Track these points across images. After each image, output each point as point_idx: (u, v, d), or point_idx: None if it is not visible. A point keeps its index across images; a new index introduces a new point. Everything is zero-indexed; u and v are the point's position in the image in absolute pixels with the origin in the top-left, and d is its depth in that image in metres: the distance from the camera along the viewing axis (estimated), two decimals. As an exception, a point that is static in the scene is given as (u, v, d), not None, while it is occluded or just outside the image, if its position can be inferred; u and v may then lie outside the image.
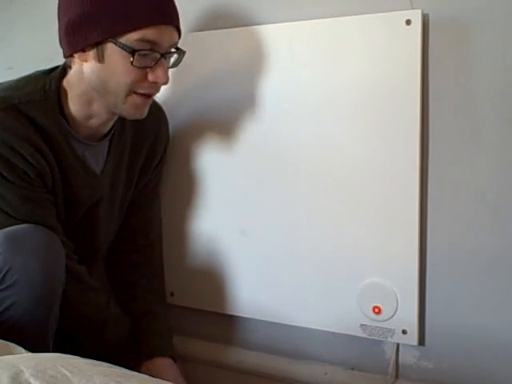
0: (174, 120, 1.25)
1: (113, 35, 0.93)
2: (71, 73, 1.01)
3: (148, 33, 0.93)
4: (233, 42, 1.16)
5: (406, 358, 1.11)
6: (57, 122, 1.01)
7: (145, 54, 0.94)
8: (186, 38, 1.21)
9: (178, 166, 1.27)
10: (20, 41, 1.50)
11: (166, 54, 0.97)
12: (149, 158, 1.19)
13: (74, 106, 1.02)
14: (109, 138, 1.10)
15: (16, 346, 0.77)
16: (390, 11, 1.00)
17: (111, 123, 1.08)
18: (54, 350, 0.95)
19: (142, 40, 0.93)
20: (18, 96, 0.98)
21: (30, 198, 0.98)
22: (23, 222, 0.96)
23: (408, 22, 0.98)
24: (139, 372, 0.68)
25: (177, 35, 0.99)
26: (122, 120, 1.10)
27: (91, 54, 0.95)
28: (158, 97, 1.25)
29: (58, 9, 0.98)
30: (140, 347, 1.13)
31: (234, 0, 1.18)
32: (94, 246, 1.15)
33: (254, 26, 1.14)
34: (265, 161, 1.16)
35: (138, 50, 0.93)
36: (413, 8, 0.99)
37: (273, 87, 1.13)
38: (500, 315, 1.01)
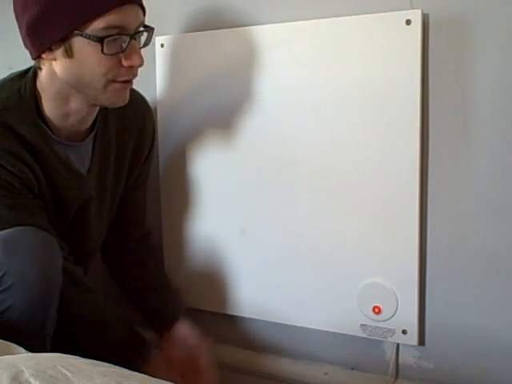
0: (173, 120, 1.25)
1: (77, 27, 0.89)
2: (42, 74, 0.98)
3: (113, 18, 0.89)
4: (232, 42, 1.16)
5: (406, 357, 1.11)
6: (35, 127, 0.98)
7: (114, 39, 0.91)
8: (185, 38, 1.22)
9: (178, 166, 1.26)
10: (20, 41, 1.49)
11: (135, 35, 0.93)
12: (136, 153, 1.16)
13: (50, 107, 1.00)
14: (92, 136, 1.07)
15: (16, 346, 0.76)
16: (390, 11, 1.00)
17: (90, 120, 1.05)
18: (55, 352, 0.94)
19: (108, 26, 0.89)
20: None
21: (17, 206, 0.97)
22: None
23: (408, 22, 0.98)
24: (141, 372, 0.68)
25: (142, 13, 0.94)
26: (104, 117, 1.08)
27: (59, 51, 0.92)
28: (158, 96, 1.26)
29: (14, 9, 0.95)
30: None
31: (234, 0, 1.18)
32: (87, 246, 1.14)
33: (254, 26, 1.14)
34: (265, 161, 1.16)
35: (106, 37, 0.90)
36: (413, 8, 0.99)
37: (272, 87, 1.13)
38: (500, 315, 1.01)
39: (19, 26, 0.96)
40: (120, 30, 0.91)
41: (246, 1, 1.17)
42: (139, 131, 1.16)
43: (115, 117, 1.11)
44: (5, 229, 0.95)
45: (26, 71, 1.03)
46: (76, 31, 0.90)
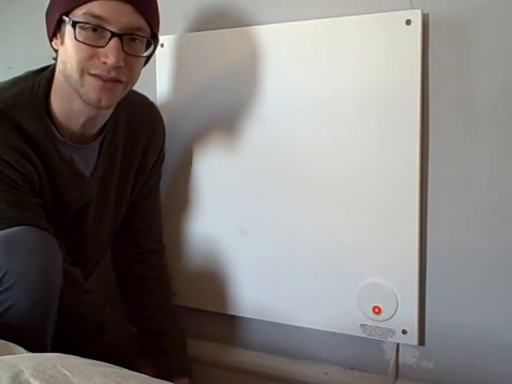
0: (173, 120, 1.25)
1: (64, 12, 0.91)
2: (56, 67, 0.99)
3: (94, 6, 0.89)
4: (233, 42, 1.16)
5: (406, 358, 1.11)
6: (43, 125, 0.98)
7: (93, 29, 0.91)
8: (186, 38, 1.22)
9: (178, 166, 1.27)
10: (20, 41, 1.50)
11: (122, 35, 0.92)
12: (144, 159, 1.16)
13: (57, 104, 1.00)
14: (100, 139, 1.07)
15: (16, 345, 0.77)
16: (390, 11, 1.00)
17: (98, 124, 1.05)
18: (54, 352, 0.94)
19: (88, 14, 0.90)
20: (4, 99, 0.96)
21: (18, 202, 0.97)
22: (14, 225, 0.95)
23: (408, 22, 0.98)
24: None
25: (138, 17, 0.93)
26: (114, 122, 1.08)
27: (59, 39, 0.95)
28: (158, 97, 1.26)
29: None
30: (157, 367, 1.15)
31: (234, 0, 1.18)
32: (85, 249, 1.13)
33: (254, 26, 1.14)
34: (265, 160, 1.16)
35: (78, 22, 0.90)
36: (413, 8, 0.99)
37: (272, 87, 1.13)
38: (500, 315, 1.01)
39: None
40: (100, 22, 0.91)
41: (247, 1, 1.17)
42: (149, 138, 1.15)
43: (126, 122, 1.11)
44: (6, 221, 0.95)
45: (44, 68, 1.03)
46: (64, 16, 0.92)
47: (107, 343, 1.08)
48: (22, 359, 0.65)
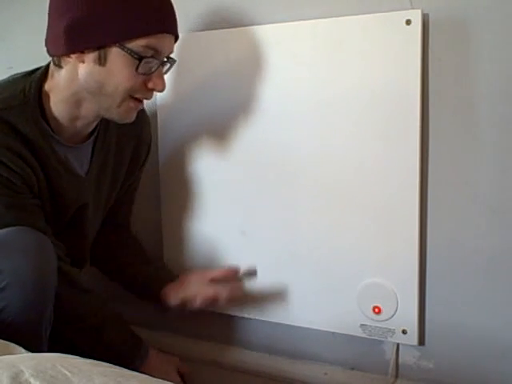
0: (173, 120, 1.25)
1: (121, 40, 0.92)
2: (61, 73, 0.97)
3: (153, 40, 0.93)
4: (233, 42, 1.16)
5: (406, 358, 1.11)
6: (38, 126, 0.98)
7: (148, 61, 0.95)
8: (186, 38, 1.22)
9: (178, 166, 1.26)
10: (20, 41, 1.50)
11: (164, 62, 0.99)
12: (134, 160, 1.18)
13: (59, 108, 1.00)
14: (92, 139, 1.08)
15: (16, 346, 0.76)
16: (390, 11, 1.00)
17: (94, 124, 1.07)
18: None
19: (148, 47, 0.93)
20: None
21: (16, 205, 0.97)
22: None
23: (408, 22, 0.98)
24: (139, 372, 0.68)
25: (174, 44, 1.00)
26: (105, 122, 1.09)
27: (91, 55, 0.93)
28: (158, 97, 1.26)
29: (54, 6, 0.95)
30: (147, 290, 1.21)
31: (234, 0, 1.18)
32: (83, 248, 1.14)
33: (254, 26, 1.14)
34: (265, 161, 1.16)
35: (144, 57, 0.93)
36: (413, 8, 0.99)
37: (272, 87, 1.13)
38: (500, 315, 1.01)
39: (53, 20, 0.95)
40: (154, 54, 0.95)
41: (247, 1, 1.17)
42: (137, 138, 1.17)
43: (116, 123, 1.11)
44: (3, 226, 0.94)
45: (31, 72, 1.02)
46: (118, 43, 0.92)
47: (107, 343, 1.08)
48: (22, 359, 0.65)
